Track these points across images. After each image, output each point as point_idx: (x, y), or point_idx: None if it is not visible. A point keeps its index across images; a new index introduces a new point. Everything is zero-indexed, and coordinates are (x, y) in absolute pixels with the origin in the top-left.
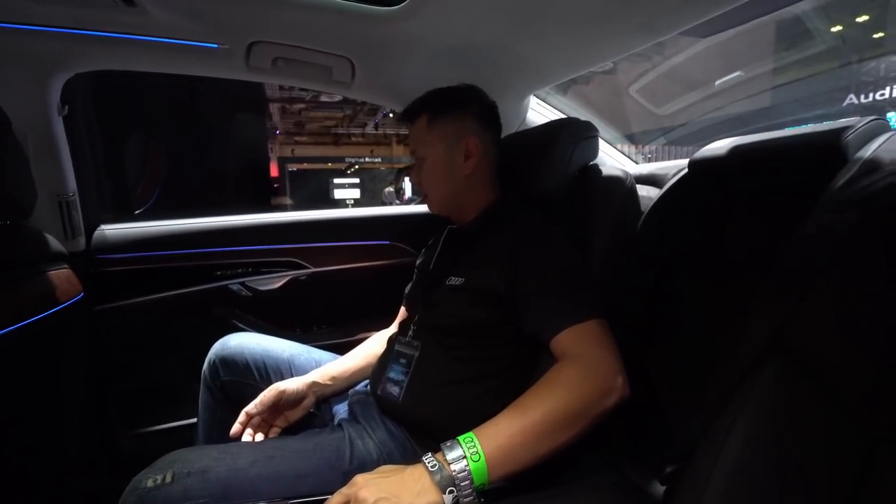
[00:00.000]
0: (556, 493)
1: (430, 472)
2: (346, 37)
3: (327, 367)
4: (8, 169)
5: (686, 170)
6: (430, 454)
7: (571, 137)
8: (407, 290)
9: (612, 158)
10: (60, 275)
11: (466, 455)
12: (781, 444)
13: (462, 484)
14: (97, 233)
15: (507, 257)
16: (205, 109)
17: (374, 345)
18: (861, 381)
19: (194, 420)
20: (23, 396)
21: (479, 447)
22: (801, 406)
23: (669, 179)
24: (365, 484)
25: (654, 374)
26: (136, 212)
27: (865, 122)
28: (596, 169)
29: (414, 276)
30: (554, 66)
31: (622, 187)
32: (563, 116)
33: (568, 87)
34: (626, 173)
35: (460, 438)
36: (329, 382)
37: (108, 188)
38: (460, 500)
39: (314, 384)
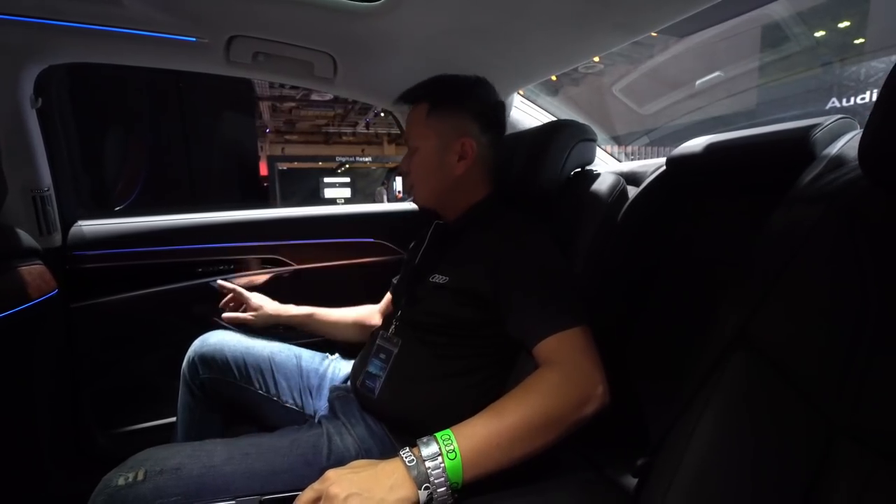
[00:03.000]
0: (528, 490)
1: (407, 467)
2: (326, 32)
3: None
4: None
5: (664, 167)
6: (407, 449)
7: (568, 139)
8: (394, 282)
9: (603, 162)
10: (32, 271)
11: (443, 452)
12: (746, 435)
13: (437, 481)
14: (74, 229)
15: (491, 258)
16: (192, 106)
17: (361, 311)
18: (822, 375)
19: (174, 419)
20: None
21: (455, 445)
22: (765, 398)
23: (648, 177)
24: (336, 479)
25: (632, 370)
26: (117, 209)
27: (833, 119)
28: (590, 172)
29: (402, 269)
30: (535, 64)
31: (613, 190)
32: (548, 115)
33: (554, 86)
34: (619, 178)
35: (437, 435)
36: (299, 313)
37: (86, 184)
38: (434, 496)
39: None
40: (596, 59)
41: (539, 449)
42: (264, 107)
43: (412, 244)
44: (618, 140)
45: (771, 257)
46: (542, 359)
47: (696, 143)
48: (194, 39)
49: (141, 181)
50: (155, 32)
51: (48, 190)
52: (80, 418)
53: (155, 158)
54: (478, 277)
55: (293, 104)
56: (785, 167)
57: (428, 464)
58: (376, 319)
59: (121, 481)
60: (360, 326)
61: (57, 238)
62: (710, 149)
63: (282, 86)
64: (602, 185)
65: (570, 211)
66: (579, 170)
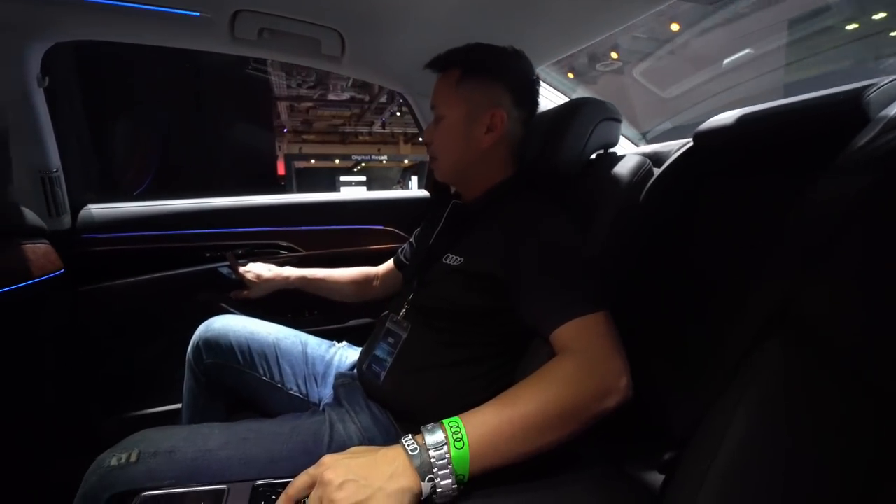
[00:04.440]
0: (539, 484)
1: (409, 456)
2: (334, 5)
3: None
4: None
5: (690, 143)
6: (409, 436)
7: (590, 117)
8: (402, 256)
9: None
10: (37, 249)
11: (449, 441)
12: (790, 426)
13: (441, 472)
14: (84, 212)
15: (507, 241)
16: (211, 105)
17: (359, 271)
18: (881, 354)
19: (179, 405)
20: None
21: (463, 433)
22: (811, 384)
23: (673, 154)
24: (332, 464)
25: (652, 356)
26: (135, 193)
27: (889, 80)
28: (613, 154)
29: (410, 246)
30: (551, 41)
31: (637, 171)
32: (565, 98)
33: (571, 84)
34: (645, 159)
35: (445, 422)
36: (295, 275)
37: (97, 169)
38: (438, 489)
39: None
40: (615, 55)
41: (554, 443)
42: (282, 107)
43: (424, 224)
44: (637, 124)
45: (815, 231)
46: (560, 346)
47: (727, 116)
48: (198, 14)
49: (153, 169)
50: (158, 7)
51: (57, 171)
52: (86, 401)
53: (173, 155)
54: (493, 261)
55: (310, 104)
56: (832, 134)
57: (432, 453)
58: (374, 282)
59: (113, 462)
60: (357, 285)
61: (66, 220)
62: (743, 120)
63: (299, 86)
64: (625, 166)
65: (589, 193)
66: (602, 152)
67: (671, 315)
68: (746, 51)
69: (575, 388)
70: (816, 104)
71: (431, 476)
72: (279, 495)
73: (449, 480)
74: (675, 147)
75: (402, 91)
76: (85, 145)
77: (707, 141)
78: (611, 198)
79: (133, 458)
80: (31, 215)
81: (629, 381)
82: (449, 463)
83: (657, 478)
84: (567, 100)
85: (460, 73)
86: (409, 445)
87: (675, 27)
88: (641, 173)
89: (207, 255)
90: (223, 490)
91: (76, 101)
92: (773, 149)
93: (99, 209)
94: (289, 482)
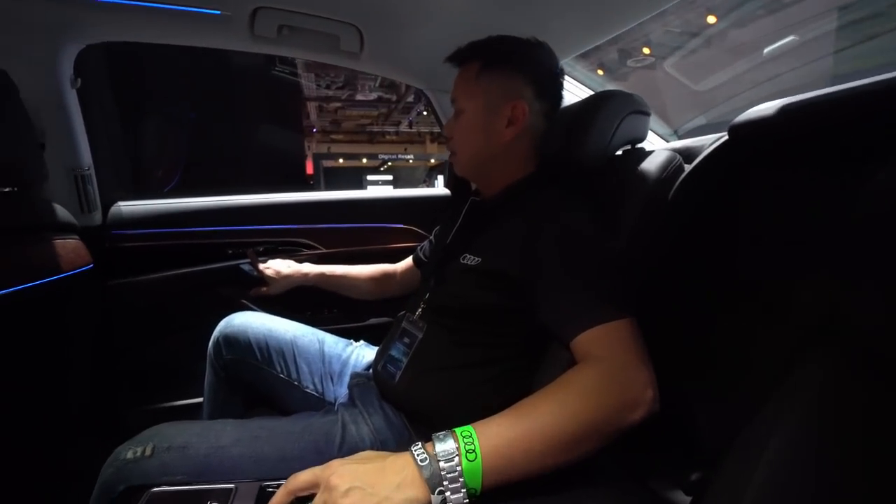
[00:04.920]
0: (555, 499)
1: (419, 466)
2: (352, 1)
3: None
4: (12, 135)
5: (725, 137)
6: (419, 444)
7: (617, 110)
8: (420, 253)
9: (652, 144)
10: (67, 245)
11: (461, 452)
12: (838, 445)
13: (452, 485)
14: (113, 208)
15: (527, 240)
16: (244, 108)
17: (376, 269)
18: None
19: (201, 399)
20: (25, 362)
21: (476, 444)
22: (862, 398)
23: (706, 149)
24: (339, 469)
25: (679, 365)
26: (165, 190)
27: None
28: (641, 150)
29: (429, 244)
30: (576, 32)
31: (667, 166)
32: (591, 93)
33: (600, 81)
34: (675, 154)
35: (457, 431)
36: (313, 272)
37: (127, 167)
38: (447, 502)
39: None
40: (647, 51)
41: (573, 459)
42: (311, 107)
43: (442, 222)
44: (667, 119)
45: (874, 230)
46: (581, 354)
47: (767, 107)
48: (219, 13)
49: (181, 169)
50: (180, 6)
51: (88, 169)
52: (112, 393)
53: (204, 155)
54: (511, 261)
55: (339, 104)
56: (891, 122)
57: (442, 464)
58: (393, 280)
59: (129, 455)
60: (375, 282)
61: (97, 217)
62: (787, 110)
63: (328, 86)
64: (654, 161)
65: (614, 190)
66: (629, 147)
67: (701, 320)
68: (790, 38)
69: (598, 400)
70: (879, 88)
71: (442, 489)
72: None
73: (460, 494)
74: (708, 142)
75: (422, 87)
76: (115, 144)
77: (744, 134)
78: (637, 195)
79: (148, 452)
80: (62, 212)
81: (656, 393)
82: (460, 476)
83: (683, 498)
84: (583, 89)
85: (480, 65)
86: (418, 455)
87: (711, 19)
88: (671, 169)
89: (230, 251)
90: (231, 489)
91: (107, 100)
92: (820, 140)
93: (128, 206)
94: None
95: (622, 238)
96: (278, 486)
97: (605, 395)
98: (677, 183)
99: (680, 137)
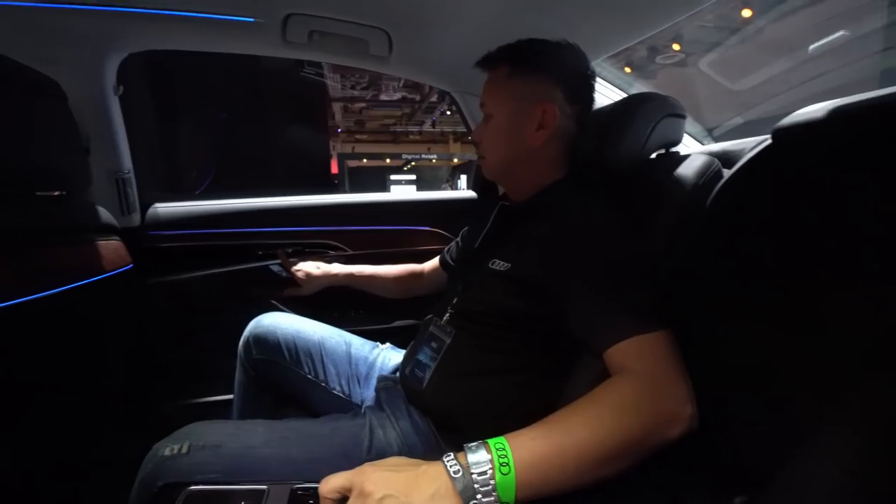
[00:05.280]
0: None
1: (452, 477)
2: (382, 6)
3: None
4: (62, 142)
5: (768, 141)
6: (451, 454)
7: (651, 113)
8: (447, 256)
9: (688, 147)
10: (109, 246)
11: (495, 465)
12: None
13: (485, 499)
14: (151, 210)
15: (558, 246)
16: (271, 110)
17: (403, 268)
18: None
19: (231, 396)
20: (69, 357)
21: (510, 458)
22: None
23: (747, 153)
24: (372, 475)
25: (717, 380)
26: (196, 192)
27: None
28: (676, 154)
29: (456, 245)
30: (608, 33)
31: (704, 172)
32: (622, 94)
33: (626, 64)
34: (713, 159)
35: (490, 442)
36: (342, 272)
37: (163, 169)
38: None
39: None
40: (676, 47)
41: (608, 475)
42: (336, 108)
43: (470, 225)
44: (702, 121)
45: None
46: (616, 366)
47: (815, 109)
48: (252, 20)
49: (213, 171)
50: (215, 14)
51: (128, 173)
52: (147, 387)
53: (233, 156)
54: (541, 267)
55: (363, 104)
56: None
57: (476, 476)
58: (419, 279)
59: (167, 451)
60: (402, 281)
61: (136, 218)
62: (837, 113)
63: (353, 87)
64: (690, 166)
65: (649, 196)
66: (663, 151)
67: (743, 333)
68: (840, 33)
69: (634, 416)
70: None
71: (475, 502)
72: (317, 500)
73: None
74: (750, 145)
75: (450, 89)
76: (153, 147)
77: (791, 137)
78: (673, 201)
79: (184, 450)
80: (105, 214)
81: (695, 410)
82: (494, 490)
83: None
84: (624, 96)
85: (509, 69)
86: (451, 466)
87: (746, 13)
88: (709, 174)
89: (260, 252)
90: (263, 491)
91: (146, 106)
92: (877, 144)
93: (164, 208)
94: None
95: (656, 246)
96: (309, 489)
97: (642, 410)
98: (716, 189)
99: (715, 139)
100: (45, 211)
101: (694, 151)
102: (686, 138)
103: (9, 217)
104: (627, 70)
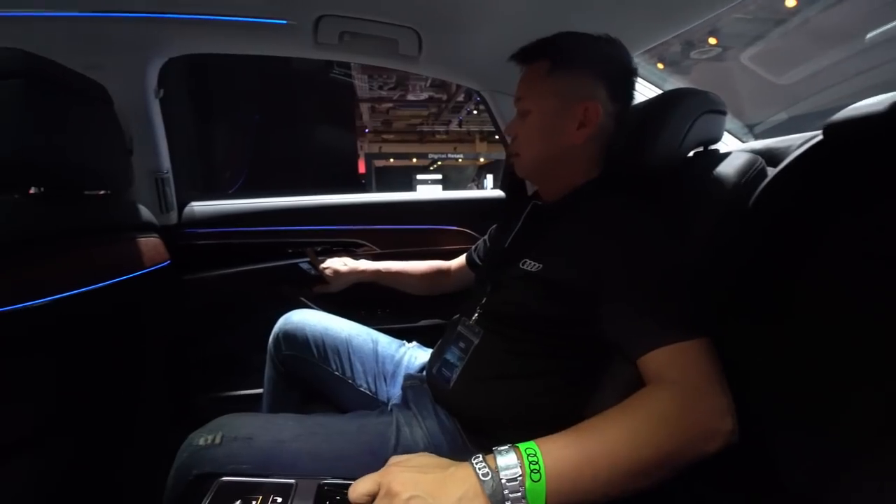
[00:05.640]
0: None
1: (481, 480)
2: (412, 6)
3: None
4: (108, 144)
5: (819, 137)
6: (479, 456)
7: (689, 110)
8: (475, 255)
9: (726, 145)
10: (149, 242)
11: (525, 471)
12: None
13: None
14: (187, 208)
15: (592, 247)
16: (301, 110)
17: (430, 265)
18: None
19: (261, 390)
20: (113, 348)
21: (541, 465)
22: None
23: (793, 152)
24: (400, 475)
25: (760, 389)
26: (230, 192)
27: None
28: (715, 152)
29: (484, 244)
30: (643, 28)
31: (747, 170)
32: (655, 90)
33: (658, 59)
34: (757, 157)
35: (521, 447)
36: (369, 269)
37: (199, 169)
38: None
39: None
40: (713, 41)
41: (641, 488)
42: (364, 108)
43: (500, 224)
44: (743, 117)
45: None
46: (651, 375)
47: (873, 103)
48: (285, 22)
49: (246, 170)
50: (249, 17)
51: (167, 173)
52: (182, 379)
53: (264, 156)
54: (575, 268)
55: (390, 105)
56: None
57: (505, 481)
58: (445, 277)
59: (201, 441)
60: (428, 278)
61: (173, 216)
62: None
63: (380, 87)
64: (732, 165)
65: (687, 196)
66: (701, 149)
67: (788, 344)
68: None
69: (671, 427)
70: None
71: None
72: (343, 497)
73: None
74: (797, 142)
75: (478, 88)
76: (190, 148)
77: (846, 133)
78: (713, 202)
79: (217, 441)
80: (145, 212)
81: (735, 424)
82: (524, 497)
83: None
84: (659, 92)
85: (549, 64)
86: (479, 468)
87: (791, 2)
88: (752, 173)
89: (290, 250)
90: (291, 485)
91: (184, 108)
92: None
93: (200, 206)
94: (352, 483)
95: (695, 249)
96: (336, 486)
97: (679, 422)
98: (760, 188)
99: (757, 136)
100: (92, 209)
101: (735, 149)
102: (724, 135)
103: (61, 216)
104: (660, 66)
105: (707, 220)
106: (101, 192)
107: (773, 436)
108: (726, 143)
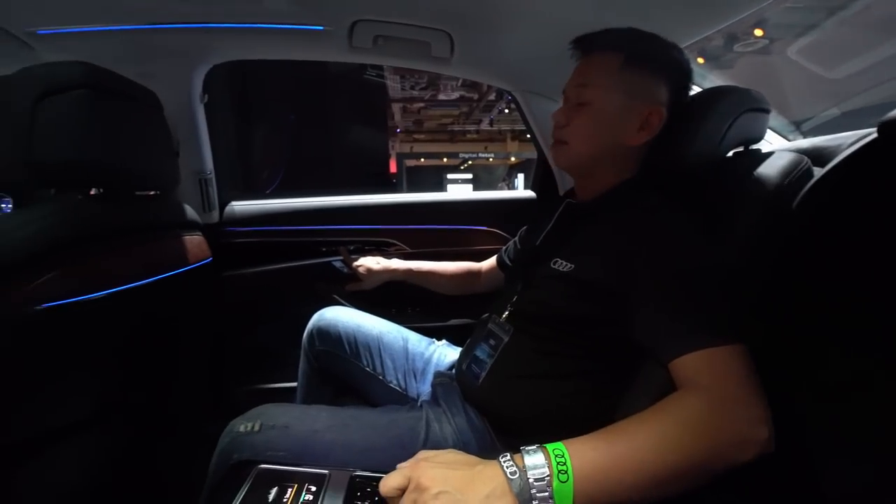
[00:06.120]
0: None
1: (508, 479)
2: (445, 9)
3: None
4: (159, 147)
5: (874, 135)
6: (507, 455)
7: (730, 108)
8: (505, 256)
9: (770, 143)
10: (193, 240)
11: (553, 472)
12: None
13: None
14: (228, 208)
15: (626, 248)
16: (335, 112)
17: (460, 266)
18: None
19: (295, 384)
20: (157, 340)
21: (569, 466)
22: None
23: (845, 150)
24: (429, 470)
25: (804, 401)
26: (267, 191)
27: None
28: (757, 152)
29: (514, 245)
30: (685, 23)
31: (791, 170)
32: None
33: (700, 71)
34: (802, 157)
35: (549, 447)
36: (401, 268)
37: (239, 170)
38: None
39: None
40: (759, 32)
41: (670, 494)
42: (396, 108)
43: (531, 223)
44: (789, 114)
45: None
46: (683, 379)
47: None
48: (321, 28)
49: (282, 171)
50: (287, 24)
51: (210, 174)
52: (223, 371)
53: (300, 157)
54: (606, 269)
55: (422, 104)
56: None
57: (533, 480)
58: (476, 278)
59: (242, 428)
60: (459, 278)
61: (215, 215)
62: None
63: (412, 87)
64: (774, 165)
65: (726, 198)
66: (741, 149)
67: (832, 353)
68: None
69: (702, 434)
70: None
71: None
72: (374, 489)
73: None
74: (849, 141)
75: (510, 88)
76: (230, 149)
77: None
78: (753, 203)
79: (256, 428)
80: (190, 211)
81: (770, 433)
82: (551, 497)
83: None
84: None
85: (623, 59)
86: (507, 467)
87: None
88: (797, 174)
89: (323, 249)
90: (325, 475)
91: (226, 112)
92: None
93: (240, 206)
94: (383, 477)
95: (733, 252)
96: (367, 479)
97: (711, 429)
98: (805, 189)
99: (805, 134)
100: (143, 209)
101: (778, 148)
102: (769, 134)
103: (117, 215)
104: (700, 60)
105: (747, 223)
106: (151, 193)
107: (814, 449)
108: (771, 143)
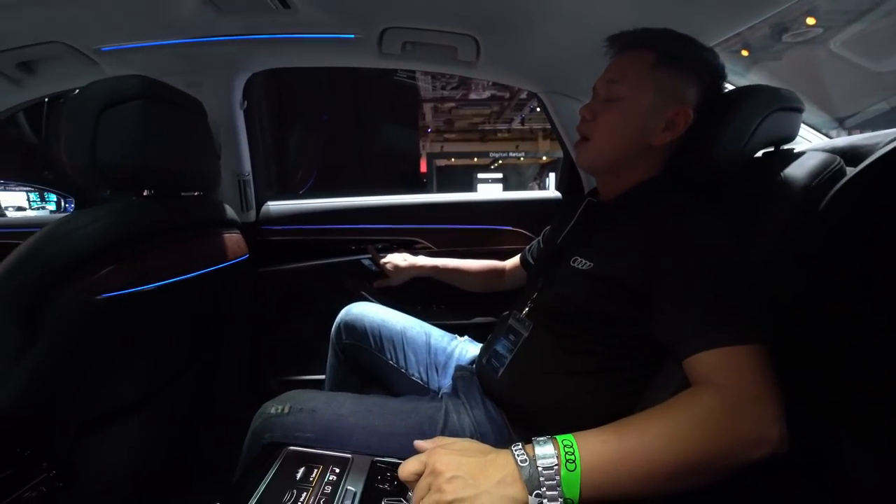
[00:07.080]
0: None
1: (519, 466)
2: (472, 13)
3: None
4: (203, 151)
5: None
6: (519, 444)
7: (758, 107)
8: (528, 255)
9: (807, 141)
10: (232, 238)
11: (561, 461)
12: None
13: (550, 493)
14: (264, 207)
15: (647, 246)
16: (367, 113)
17: (485, 264)
18: None
19: (324, 376)
20: (198, 332)
21: (577, 456)
22: None
23: (880, 148)
24: (444, 457)
25: (825, 402)
26: (301, 192)
27: None
28: (788, 152)
29: (538, 244)
30: (716, 21)
31: (822, 170)
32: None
33: (744, 62)
34: (835, 157)
35: (558, 438)
36: (427, 265)
37: (274, 171)
38: None
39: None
40: (811, 21)
41: (680, 489)
42: (427, 108)
43: (554, 221)
44: (831, 110)
45: None
46: (698, 376)
47: None
48: (353, 36)
49: (316, 172)
50: (321, 34)
51: (248, 175)
52: (259, 363)
53: (333, 157)
54: (627, 267)
55: (453, 104)
56: None
57: (541, 469)
58: (500, 276)
59: (273, 410)
60: (483, 276)
61: (252, 214)
62: None
63: (443, 87)
64: (804, 165)
65: (751, 198)
66: (771, 149)
67: (854, 355)
68: None
69: (714, 430)
70: None
71: (539, 493)
72: (393, 474)
73: (557, 503)
74: (884, 140)
75: (536, 90)
76: (267, 151)
77: None
78: (780, 204)
79: (286, 410)
80: (230, 211)
81: (784, 433)
82: (558, 484)
83: None
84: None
85: (656, 57)
86: (518, 455)
87: None
88: (827, 174)
89: (353, 247)
90: (348, 459)
91: (262, 115)
92: None
93: (275, 205)
94: (401, 462)
95: (758, 251)
96: (387, 464)
97: (724, 426)
98: (834, 189)
99: (848, 129)
100: (188, 208)
101: (810, 147)
102: (807, 130)
103: (166, 214)
104: (744, 53)
105: (772, 224)
106: (196, 193)
107: (832, 450)
108: (808, 140)
